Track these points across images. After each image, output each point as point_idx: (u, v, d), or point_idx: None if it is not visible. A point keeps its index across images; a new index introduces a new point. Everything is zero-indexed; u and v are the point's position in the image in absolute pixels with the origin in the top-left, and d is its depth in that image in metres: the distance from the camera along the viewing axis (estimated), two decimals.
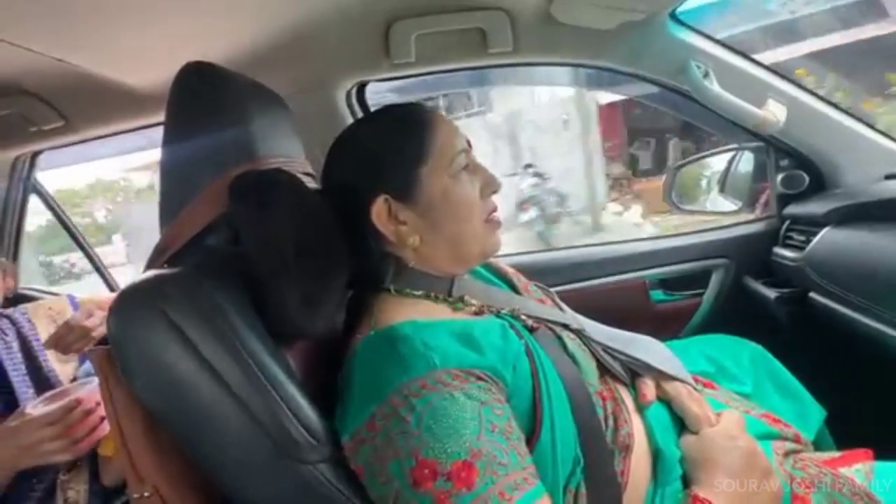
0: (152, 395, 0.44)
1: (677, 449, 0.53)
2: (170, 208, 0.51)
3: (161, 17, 0.71)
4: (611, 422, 0.53)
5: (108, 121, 1.04)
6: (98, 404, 0.66)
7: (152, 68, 0.85)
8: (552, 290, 0.72)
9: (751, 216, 1.12)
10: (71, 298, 0.95)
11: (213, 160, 0.50)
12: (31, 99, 0.92)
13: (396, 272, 0.56)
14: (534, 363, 0.50)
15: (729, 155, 1.20)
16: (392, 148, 0.54)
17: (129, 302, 0.44)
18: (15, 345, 0.80)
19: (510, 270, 0.73)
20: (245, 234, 0.48)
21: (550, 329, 0.58)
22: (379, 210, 0.53)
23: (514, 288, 0.69)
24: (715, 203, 1.24)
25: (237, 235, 0.50)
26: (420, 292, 0.55)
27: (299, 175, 0.57)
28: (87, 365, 0.89)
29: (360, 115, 1.03)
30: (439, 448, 0.40)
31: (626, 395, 0.58)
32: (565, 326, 0.60)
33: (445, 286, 0.57)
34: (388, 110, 0.60)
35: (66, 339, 0.73)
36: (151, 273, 0.47)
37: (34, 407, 0.66)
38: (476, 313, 0.57)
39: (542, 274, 0.87)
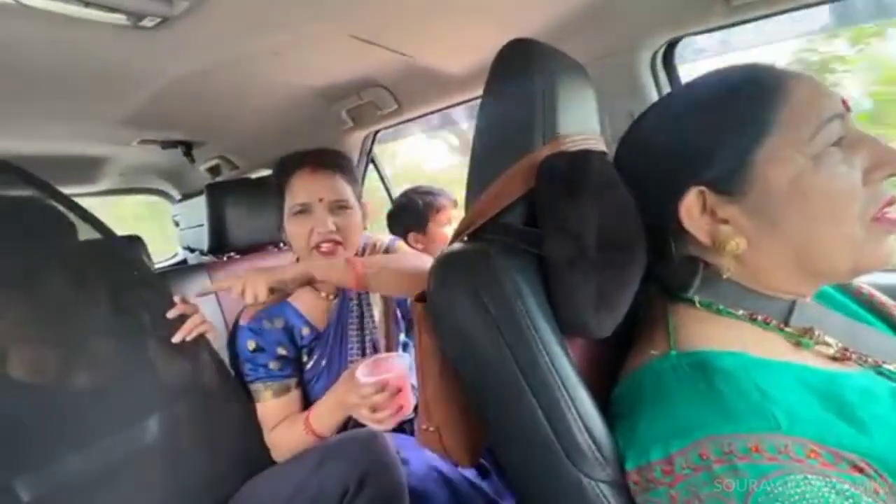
0: (456, 356, 0.48)
1: None
2: (478, 183, 0.52)
3: (475, 7, 0.76)
4: None
5: (431, 102, 1.19)
6: (401, 391, 0.76)
7: (467, 53, 0.94)
8: None
9: None
10: (393, 240, 1.02)
11: (520, 137, 0.49)
12: (380, 89, 1.16)
13: (705, 281, 0.44)
14: None
15: None
16: (715, 124, 0.41)
17: (449, 274, 0.47)
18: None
19: (884, 298, 0.50)
20: (547, 218, 0.46)
21: None
22: (690, 205, 0.42)
23: (891, 325, 0.47)
24: None
25: (533, 216, 0.49)
26: (741, 312, 0.43)
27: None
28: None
29: (666, 81, 0.88)
30: None
31: None
32: None
33: (780, 309, 0.42)
34: (715, 73, 0.45)
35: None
36: (464, 247, 0.49)
37: (364, 367, 0.76)
38: (835, 359, 0.40)
39: None
